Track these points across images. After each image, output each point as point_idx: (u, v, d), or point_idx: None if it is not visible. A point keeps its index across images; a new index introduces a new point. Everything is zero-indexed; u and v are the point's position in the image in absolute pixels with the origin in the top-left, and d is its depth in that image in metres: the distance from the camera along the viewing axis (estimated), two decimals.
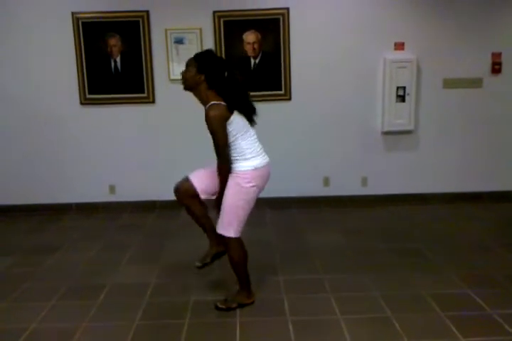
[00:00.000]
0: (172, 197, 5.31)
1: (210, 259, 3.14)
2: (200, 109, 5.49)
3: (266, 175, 3.02)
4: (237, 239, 3.04)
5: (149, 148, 5.36)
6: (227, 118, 2.85)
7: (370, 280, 3.45)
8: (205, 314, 3.04)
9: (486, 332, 2.74)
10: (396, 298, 3.17)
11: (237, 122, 2.89)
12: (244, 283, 3.13)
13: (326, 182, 5.40)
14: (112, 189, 5.43)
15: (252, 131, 3.00)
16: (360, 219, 4.96)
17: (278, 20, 5.09)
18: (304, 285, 3.37)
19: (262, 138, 3.02)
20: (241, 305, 3.09)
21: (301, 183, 5.36)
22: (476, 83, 5.27)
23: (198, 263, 3.15)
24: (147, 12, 5.08)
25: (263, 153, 3.04)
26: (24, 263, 3.98)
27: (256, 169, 2.95)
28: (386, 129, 5.28)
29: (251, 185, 2.94)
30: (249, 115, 2.97)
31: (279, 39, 5.12)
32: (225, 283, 3.47)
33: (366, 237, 4.38)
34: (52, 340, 2.81)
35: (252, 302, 3.13)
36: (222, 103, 2.86)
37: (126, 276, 3.65)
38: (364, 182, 5.44)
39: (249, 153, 2.95)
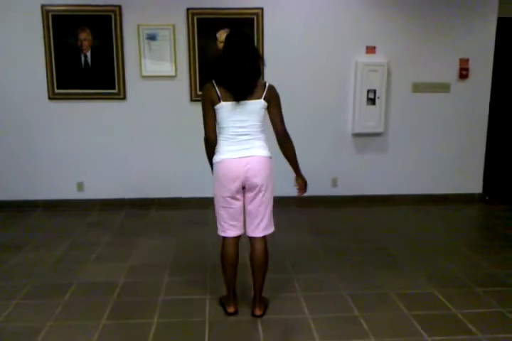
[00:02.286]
0: (141, 195, 5.33)
1: None
2: (171, 108, 5.47)
3: (222, 170, 2.81)
4: (224, 240, 2.95)
5: (119, 144, 5.28)
6: None
7: (339, 279, 3.49)
8: (174, 314, 3.01)
9: (451, 331, 2.80)
10: (363, 297, 3.22)
11: None
12: (227, 288, 3.02)
13: None
14: (80, 186, 5.33)
15: (227, 123, 2.82)
16: (329, 219, 5.01)
17: (252, 19, 5.09)
18: (273, 285, 3.36)
19: None
20: (223, 308, 3.04)
21: None
22: (444, 88, 5.39)
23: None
24: (119, 7, 5.00)
25: (228, 150, 2.81)
26: None
27: (215, 163, 2.86)
28: (356, 131, 5.34)
29: (215, 179, 2.88)
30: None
31: (253, 39, 5.11)
32: (194, 283, 3.45)
33: (335, 237, 4.43)
34: (16, 339, 2.74)
35: (230, 314, 2.97)
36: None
37: (94, 275, 3.59)
38: (334, 183, 5.49)
39: (219, 147, 2.85)
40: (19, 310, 3.05)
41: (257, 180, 2.82)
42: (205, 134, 2.87)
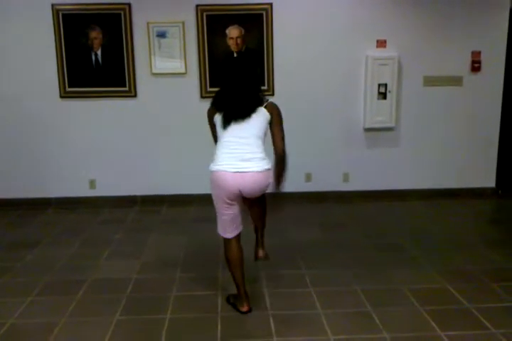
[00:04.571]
0: (152, 192, 5.36)
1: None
2: (181, 104, 5.47)
3: (217, 182, 2.81)
4: (226, 240, 2.97)
5: (130, 142, 5.31)
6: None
7: (351, 274, 3.48)
8: (186, 309, 3.03)
9: (464, 326, 2.78)
10: (376, 292, 3.20)
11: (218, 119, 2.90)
12: (236, 287, 3.00)
13: (308, 177, 5.43)
14: (92, 183, 5.37)
15: (226, 134, 2.82)
16: (341, 214, 4.99)
17: (261, 15, 5.07)
18: (285, 280, 3.38)
19: None
20: (235, 307, 3.02)
21: None
22: (456, 81, 5.33)
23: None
24: (129, 5, 5.02)
25: (226, 160, 2.80)
26: (3, 258, 3.92)
27: (211, 172, 2.86)
28: (367, 126, 5.31)
29: (212, 187, 2.89)
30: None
31: (263, 34, 5.10)
32: (206, 279, 3.47)
33: (347, 232, 4.41)
34: (31, 336, 2.77)
35: (244, 313, 2.95)
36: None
37: (107, 271, 3.62)
38: (346, 178, 5.47)
39: (216, 154, 2.87)
40: (34, 307, 3.09)
41: (254, 193, 2.88)
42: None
